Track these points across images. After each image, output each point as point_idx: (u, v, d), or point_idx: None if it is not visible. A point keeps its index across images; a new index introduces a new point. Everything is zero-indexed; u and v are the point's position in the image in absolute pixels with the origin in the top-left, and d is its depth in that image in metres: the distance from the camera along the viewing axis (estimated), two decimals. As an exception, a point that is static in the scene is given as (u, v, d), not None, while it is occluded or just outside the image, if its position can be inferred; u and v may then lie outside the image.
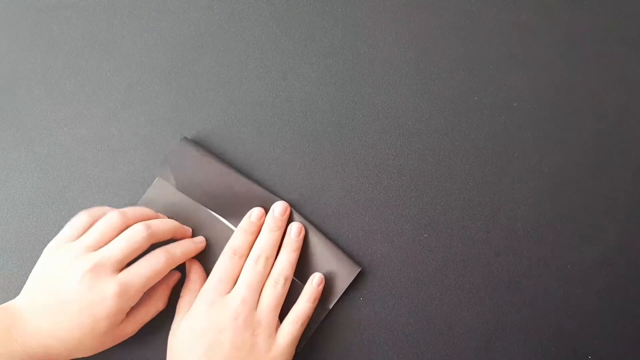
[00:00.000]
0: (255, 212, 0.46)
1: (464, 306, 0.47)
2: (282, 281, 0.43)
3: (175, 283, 0.46)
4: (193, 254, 0.45)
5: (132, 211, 0.43)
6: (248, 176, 0.47)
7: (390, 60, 0.49)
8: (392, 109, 0.49)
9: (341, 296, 0.47)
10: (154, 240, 0.42)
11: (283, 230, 0.45)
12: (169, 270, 0.43)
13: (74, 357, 0.41)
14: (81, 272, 0.40)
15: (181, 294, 0.45)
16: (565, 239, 0.48)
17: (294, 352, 0.43)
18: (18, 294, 0.47)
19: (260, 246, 0.44)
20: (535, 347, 0.47)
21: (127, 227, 0.42)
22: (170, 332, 0.44)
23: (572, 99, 0.49)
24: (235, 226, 0.46)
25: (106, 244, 0.41)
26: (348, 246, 0.48)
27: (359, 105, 0.49)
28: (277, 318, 0.43)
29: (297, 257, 0.45)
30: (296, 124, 0.49)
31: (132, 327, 0.43)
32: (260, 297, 0.43)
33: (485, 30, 0.50)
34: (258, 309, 0.42)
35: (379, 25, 0.50)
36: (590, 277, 0.47)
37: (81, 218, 0.43)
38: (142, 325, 0.43)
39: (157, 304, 0.44)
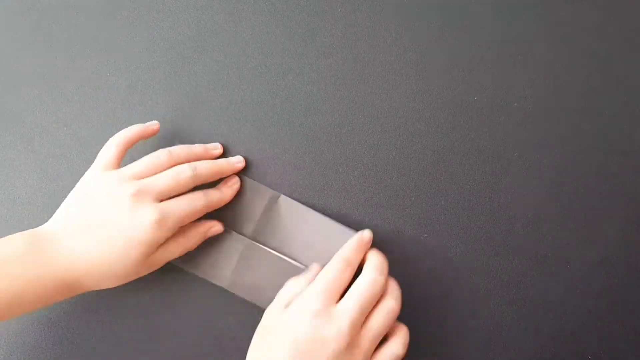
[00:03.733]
0: (367, 233, 0.44)
1: (464, 306, 0.47)
2: (393, 314, 0.41)
3: (213, 234, 0.46)
4: (230, 199, 0.46)
5: (179, 149, 0.44)
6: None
7: (390, 60, 0.49)
8: (392, 109, 0.49)
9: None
10: (198, 182, 0.43)
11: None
12: (205, 212, 0.44)
13: (101, 287, 0.41)
14: (124, 195, 0.40)
15: (289, 282, 0.43)
16: (565, 239, 0.48)
17: None
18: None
19: (378, 267, 0.42)
20: (535, 347, 0.47)
21: (172, 166, 0.43)
22: (267, 312, 0.42)
23: (572, 98, 0.49)
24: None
25: (150, 176, 0.42)
26: (348, 246, 0.48)
27: (359, 105, 0.49)
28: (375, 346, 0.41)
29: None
30: (296, 124, 0.49)
31: (160, 260, 0.43)
32: (369, 321, 0.40)
33: (485, 30, 0.50)
34: (363, 331, 0.39)
35: (379, 25, 0.50)
36: (590, 277, 0.47)
37: (110, 148, 0.44)
38: (169, 260, 0.44)
39: (187, 244, 0.44)
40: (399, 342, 0.41)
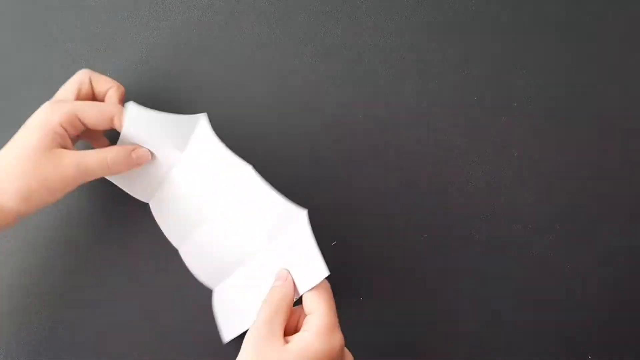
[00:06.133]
0: None
1: (464, 306, 0.47)
2: None
3: (141, 159, 0.43)
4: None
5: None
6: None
7: (390, 60, 0.49)
8: (393, 108, 0.49)
9: (341, 296, 0.47)
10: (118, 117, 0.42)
11: None
12: (110, 114, 0.42)
13: (8, 199, 0.39)
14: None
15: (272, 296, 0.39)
16: (565, 239, 0.48)
17: None
18: (17, 294, 0.47)
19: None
20: (536, 347, 0.47)
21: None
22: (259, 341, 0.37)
23: (572, 98, 0.49)
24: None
25: None
26: (348, 247, 0.48)
27: (360, 106, 0.49)
28: None
29: None
30: (296, 124, 0.49)
31: (75, 166, 0.40)
32: None
33: (485, 30, 0.50)
34: None
35: (379, 25, 0.50)
36: (590, 277, 0.47)
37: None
38: (90, 174, 0.42)
39: (108, 158, 0.42)
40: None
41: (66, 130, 0.41)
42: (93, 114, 0.42)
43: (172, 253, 0.47)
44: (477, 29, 0.50)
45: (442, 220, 0.48)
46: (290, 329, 0.39)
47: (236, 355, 0.36)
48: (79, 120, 0.41)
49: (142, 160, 0.44)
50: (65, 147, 0.41)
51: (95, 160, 0.41)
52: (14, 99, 0.50)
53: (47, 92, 0.49)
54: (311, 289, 0.39)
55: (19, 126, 0.49)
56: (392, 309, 0.47)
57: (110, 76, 0.50)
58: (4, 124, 0.49)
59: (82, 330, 0.47)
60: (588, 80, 0.49)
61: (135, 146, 0.43)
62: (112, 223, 0.48)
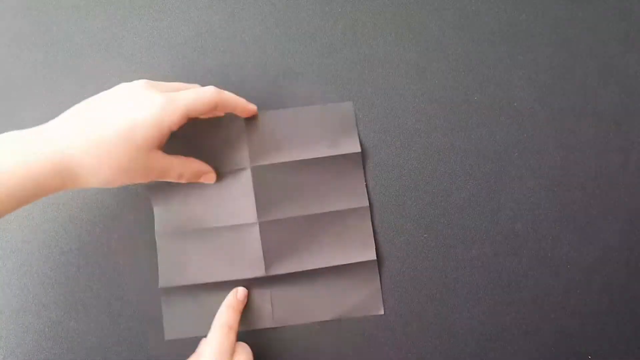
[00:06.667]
0: (241, 291, 0.46)
1: (464, 306, 0.47)
2: None
3: (206, 179, 0.46)
4: (241, 107, 0.45)
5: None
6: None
7: (390, 60, 0.49)
8: (392, 109, 0.49)
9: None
10: (220, 103, 0.42)
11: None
12: (214, 104, 0.42)
13: (90, 182, 0.38)
14: (134, 85, 0.40)
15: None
16: (565, 239, 0.48)
17: None
18: (18, 294, 0.47)
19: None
20: (535, 347, 0.47)
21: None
22: None
23: (571, 98, 0.49)
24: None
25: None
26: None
27: (359, 105, 0.49)
28: None
29: None
30: (296, 124, 0.49)
31: (158, 167, 0.40)
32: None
33: (485, 30, 0.50)
34: None
35: (379, 25, 0.50)
36: (590, 277, 0.47)
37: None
38: (164, 179, 0.42)
39: (185, 169, 0.43)
40: None
41: (172, 131, 0.40)
42: (199, 109, 0.41)
43: (172, 253, 0.47)
44: (476, 29, 0.50)
45: (442, 219, 0.48)
46: None
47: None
48: (187, 118, 0.40)
49: (206, 181, 0.46)
50: (161, 147, 0.40)
51: (176, 171, 0.43)
52: (14, 99, 0.50)
53: (48, 93, 0.49)
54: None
55: (20, 127, 0.49)
56: (392, 309, 0.47)
57: (109, 76, 0.50)
58: (4, 124, 0.49)
59: (82, 331, 0.47)
60: (588, 80, 0.49)
61: (209, 169, 0.46)
62: (113, 224, 0.48)
